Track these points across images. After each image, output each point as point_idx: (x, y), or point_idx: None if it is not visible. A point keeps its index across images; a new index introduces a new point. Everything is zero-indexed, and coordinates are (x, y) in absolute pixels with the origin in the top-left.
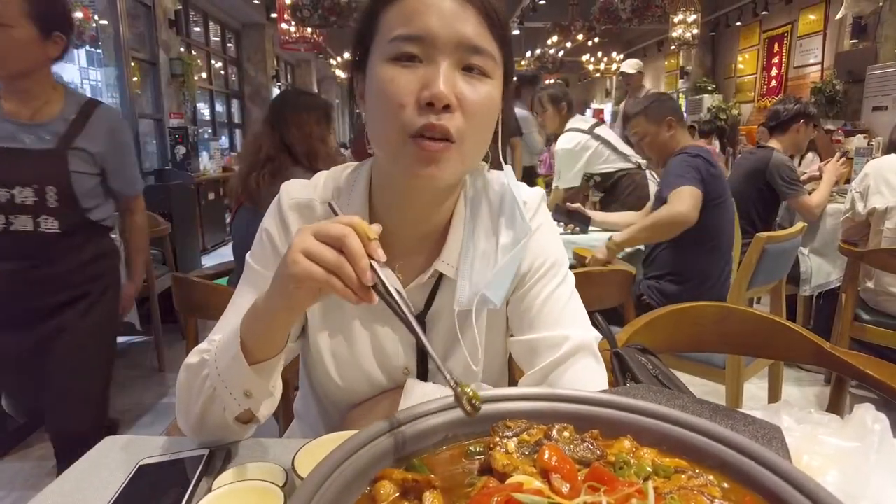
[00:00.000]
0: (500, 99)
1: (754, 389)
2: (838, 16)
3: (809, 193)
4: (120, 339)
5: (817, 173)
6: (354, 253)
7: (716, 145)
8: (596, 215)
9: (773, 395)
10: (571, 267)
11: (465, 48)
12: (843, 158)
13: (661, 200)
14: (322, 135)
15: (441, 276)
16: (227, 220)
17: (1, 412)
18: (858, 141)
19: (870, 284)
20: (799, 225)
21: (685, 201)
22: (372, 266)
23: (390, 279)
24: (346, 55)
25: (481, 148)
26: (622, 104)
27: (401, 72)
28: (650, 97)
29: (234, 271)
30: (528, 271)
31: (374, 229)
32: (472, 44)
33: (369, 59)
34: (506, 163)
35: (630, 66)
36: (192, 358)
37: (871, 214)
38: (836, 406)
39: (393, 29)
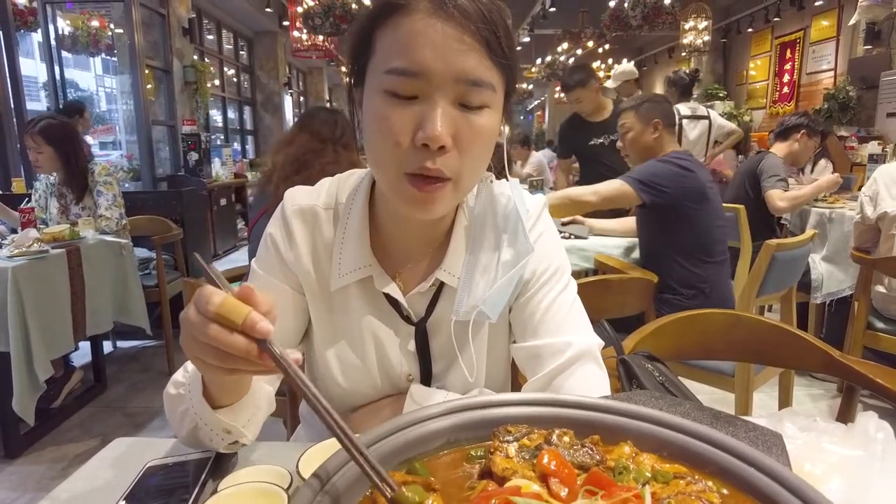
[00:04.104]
0: (499, 121)
1: (764, 398)
2: (851, 21)
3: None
4: (131, 344)
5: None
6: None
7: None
8: (593, 223)
9: (784, 404)
10: (594, 273)
11: (463, 82)
12: (839, 177)
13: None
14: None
15: (442, 284)
16: (240, 225)
17: (12, 415)
18: (872, 147)
19: (881, 289)
20: (809, 232)
21: (601, 189)
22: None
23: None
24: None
25: (476, 177)
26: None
27: (396, 108)
28: (646, 96)
29: (246, 275)
30: (530, 278)
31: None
32: (470, 77)
33: (366, 78)
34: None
35: (624, 74)
36: (171, 389)
37: (882, 219)
38: (845, 415)
39: (388, 58)
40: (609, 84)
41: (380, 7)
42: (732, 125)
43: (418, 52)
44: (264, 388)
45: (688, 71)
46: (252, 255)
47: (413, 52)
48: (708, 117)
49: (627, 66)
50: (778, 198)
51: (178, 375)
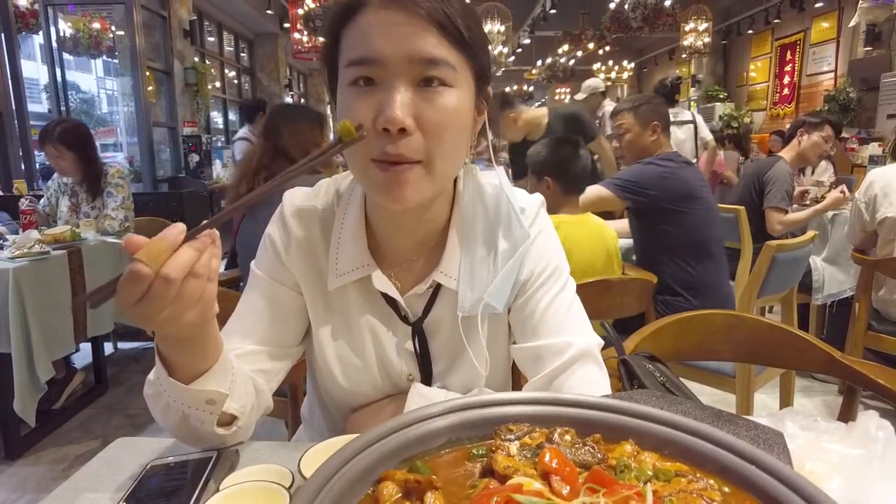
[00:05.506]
0: (472, 104)
1: (765, 399)
2: (851, 23)
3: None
4: (132, 345)
5: (824, 185)
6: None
7: (721, 154)
8: None
9: (784, 405)
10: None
11: (417, 62)
12: (844, 191)
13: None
14: (315, 140)
15: (439, 286)
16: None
17: (13, 416)
18: (872, 149)
19: (881, 294)
20: (810, 233)
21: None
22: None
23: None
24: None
25: (454, 161)
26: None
27: (358, 98)
28: (643, 97)
29: (241, 279)
30: (529, 278)
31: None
32: (423, 57)
33: (338, 77)
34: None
35: (590, 88)
36: (147, 390)
37: (882, 224)
38: (847, 416)
39: (349, 52)
40: (578, 97)
41: (339, 9)
42: (710, 137)
43: (372, 40)
44: (240, 367)
45: (670, 80)
46: (242, 262)
47: (367, 41)
48: (693, 121)
49: (594, 80)
50: (777, 221)
51: (150, 376)
